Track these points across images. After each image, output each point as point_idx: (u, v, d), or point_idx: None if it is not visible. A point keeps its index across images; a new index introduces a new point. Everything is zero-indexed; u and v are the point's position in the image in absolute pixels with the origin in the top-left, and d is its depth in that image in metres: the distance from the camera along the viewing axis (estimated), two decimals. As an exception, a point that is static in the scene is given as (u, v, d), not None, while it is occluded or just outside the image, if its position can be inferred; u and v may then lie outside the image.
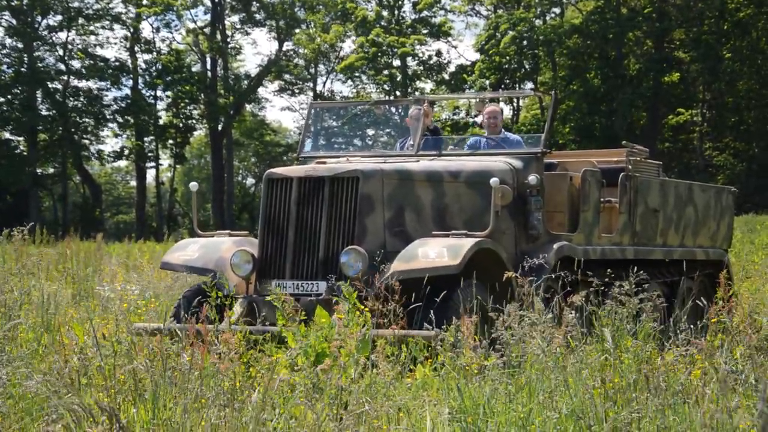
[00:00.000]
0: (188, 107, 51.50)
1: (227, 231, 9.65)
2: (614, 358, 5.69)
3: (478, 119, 10.83)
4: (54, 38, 48.29)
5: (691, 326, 7.07)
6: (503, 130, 10.70)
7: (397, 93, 48.17)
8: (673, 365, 6.00)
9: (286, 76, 52.07)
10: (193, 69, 51.02)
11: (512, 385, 5.56)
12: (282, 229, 8.59)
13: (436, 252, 8.06)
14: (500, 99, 11.37)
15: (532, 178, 9.33)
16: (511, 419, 5.07)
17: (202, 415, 5.09)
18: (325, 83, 52.19)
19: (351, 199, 8.43)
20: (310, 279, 8.43)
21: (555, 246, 9.35)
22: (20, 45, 46.48)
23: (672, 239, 11.77)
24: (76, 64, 48.55)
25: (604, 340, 5.93)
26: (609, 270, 9.61)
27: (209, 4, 49.85)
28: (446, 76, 48.38)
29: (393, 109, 12.61)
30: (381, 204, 8.56)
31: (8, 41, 47.14)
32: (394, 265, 8.01)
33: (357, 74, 48.80)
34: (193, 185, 9.85)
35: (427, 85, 48.72)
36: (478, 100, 11.74)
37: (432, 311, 7.46)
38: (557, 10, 47.09)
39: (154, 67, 49.93)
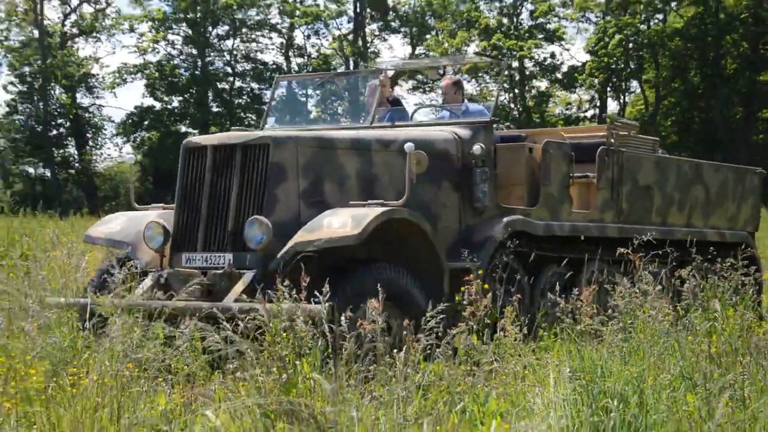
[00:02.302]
0: (335, 104, 51.84)
1: (161, 204, 8.30)
2: (720, 326, 5.56)
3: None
4: (222, 45, 49.12)
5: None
6: (466, 101, 9.30)
7: (516, 91, 47.87)
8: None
9: (418, 76, 51.96)
10: (339, 70, 51.36)
11: (626, 348, 5.47)
12: (196, 199, 7.31)
13: (340, 222, 6.71)
14: (500, 73, 9.52)
15: (477, 148, 7.89)
16: (625, 378, 4.98)
17: (352, 368, 5.06)
18: (452, 82, 51.98)
19: (261, 168, 7.09)
20: (219, 251, 7.10)
21: (505, 220, 8.01)
22: (194, 51, 47.40)
23: (674, 218, 10.14)
24: (240, 67, 49.32)
25: (710, 309, 5.78)
26: (594, 248, 8.29)
27: (352, 14, 50.18)
28: (559, 76, 47.80)
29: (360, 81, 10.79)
30: (295, 173, 7.17)
31: (185, 48, 48.17)
32: (297, 235, 6.75)
33: (480, 74, 48.52)
34: (130, 158, 8.91)
35: (542, 83, 48.35)
36: (433, 67, 10.40)
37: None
38: (660, 16, 46.04)
39: (305, 70, 50.40)
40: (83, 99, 49.85)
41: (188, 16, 47.16)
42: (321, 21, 49.65)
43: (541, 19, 47.00)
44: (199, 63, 47.04)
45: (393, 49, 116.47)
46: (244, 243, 6.91)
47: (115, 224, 7.97)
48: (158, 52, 48.15)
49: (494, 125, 8.65)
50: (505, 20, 47.48)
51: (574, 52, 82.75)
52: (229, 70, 49.11)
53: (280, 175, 7.09)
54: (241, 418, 4.36)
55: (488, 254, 7.70)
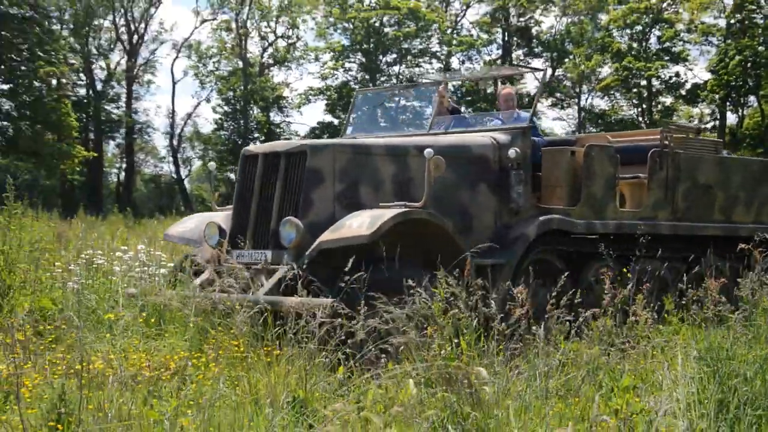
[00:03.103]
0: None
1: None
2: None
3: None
4: (390, 71, 49.53)
5: None
6: (517, 109, 8.61)
7: (644, 106, 46.58)
8: None
9: (557, 94, 51.18)
10: (488, 91, 51.04)
11: (751, 333, 5.19)
12: (248, 202, 7.11)
13: (359, 222, 6.28)
14: (542, 82, 8.45)
15: (512, 152, 7.42)
16: (749, 359, 4.72)
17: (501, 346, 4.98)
18: (587, 99, 51.03)
19: (300, 173, 6.80)
20: (262, 249, 6.88)
21: (540, 219, 7.48)
22: (367, 76, 47.98)
23: (740, 216, 9.24)
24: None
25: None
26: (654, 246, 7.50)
27: (500, 42, 49.80)
28: (683, 92, 46.22)
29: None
30: (332, 177, 6.81)
31: (359, 74, 48.82)
32: (323, 234, 6.38)
33: (612, 92, 47.46)
34: (211, 165, 8.52)
35: (667, 99, 46.84)
36: (487, 77, 9.96)
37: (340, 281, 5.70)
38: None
39: (459, 91, 50.34)
40: (275, 117, 51.33)
41: (363, 47, 47.80)
42: (474, 48, 49.49)
43: (667, 43, 45.55)
44: (371, 86, 47.61)
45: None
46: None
47: (188, 224, 7.83)
48: (337, 78, 49.06)
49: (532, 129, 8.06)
50: (635, 44, 46.22)
51: (697, 72, 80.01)
52: (395, 91, 49.46)
53: (317, 179, 6.78)
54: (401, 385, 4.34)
55: (519, 251, 7.18)
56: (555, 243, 7.61)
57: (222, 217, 7.50)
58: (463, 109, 8.76)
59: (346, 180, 6.90)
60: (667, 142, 8.55)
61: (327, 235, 6.33)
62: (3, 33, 38.80)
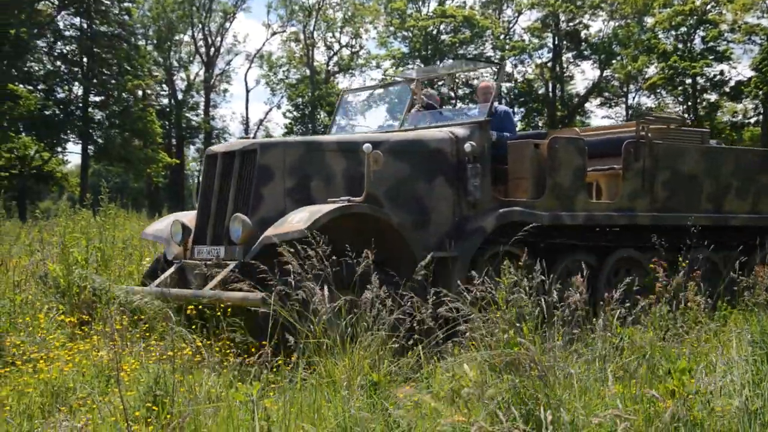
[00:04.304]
0: (536, 118, 51.08)
1: None
2: None
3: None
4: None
5: None
6: (494, 103, 8.04)
7: (689, 103, 45.62)
8: None
9: (605, 94, 50.43)
10: (539, 92, 50.55)
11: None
12: (209, 199, 6.86)
13: (299, 217, 6.00)
14: (498, 76, 7.51)
15: (467, 146, 7.01)
16: (800, 342, 4.60)
17: (561, 331, 4.91)
18: (634, 98, 50.17)
19: (251, 171, 6.53)
20: (218, 245, 6.64)
21: (500, 212, 7.05)
22: (425, 82, 47.85)
23: (733, 206, 8.64)
24: (461, 91, 49.43)
25: None
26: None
27: (551, 46, 49.23)
28: (727, 89, 45.13)
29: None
30: (282, 174, 6.52)
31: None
32: (267, 230, 6.12)
33: (658, 90, 46.57)
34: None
35: (711, 96, 45.78)
36: (448, 75, 8.87)
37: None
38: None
39: (511, 93, 49.92)
40: (341, 120, 51.42)
41: (421, 53, 47.70)
42: (526, 53, 49.03)
43: (711, 43, 44.53)
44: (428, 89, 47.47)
45: (584, 73, 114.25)
46: None
47: (163, 223, 7.60)
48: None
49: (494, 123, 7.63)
50: (680, 45, 45.28)
51: (741, 69, 78.09)
52: (452, 94, 49.32)
53: (267, 176, 6.50)
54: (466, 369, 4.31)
55: (475, 244, 6.75)
56: (526, 235, 6.97)
57: (191, 215, 7.28)
58: (464, 104, 8.26)
59: (296, 176, 6.60)
60: (643, 134, 8.07)
61: (270, 231, 6.08)
62: (95, 50, 39.66)
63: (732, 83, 44.90)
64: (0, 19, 35.00)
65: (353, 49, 52.74)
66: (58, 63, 40.12)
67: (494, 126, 7.74)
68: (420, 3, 50.00)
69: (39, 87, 39.30)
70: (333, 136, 7.60)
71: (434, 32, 48.00)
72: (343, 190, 6.65)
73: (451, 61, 39.76)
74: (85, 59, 40.08)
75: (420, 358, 4.93)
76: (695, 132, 9.04)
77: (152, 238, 7.67)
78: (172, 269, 6.83)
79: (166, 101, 49.93)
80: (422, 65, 47.60)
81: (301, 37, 51.89)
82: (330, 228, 5.85)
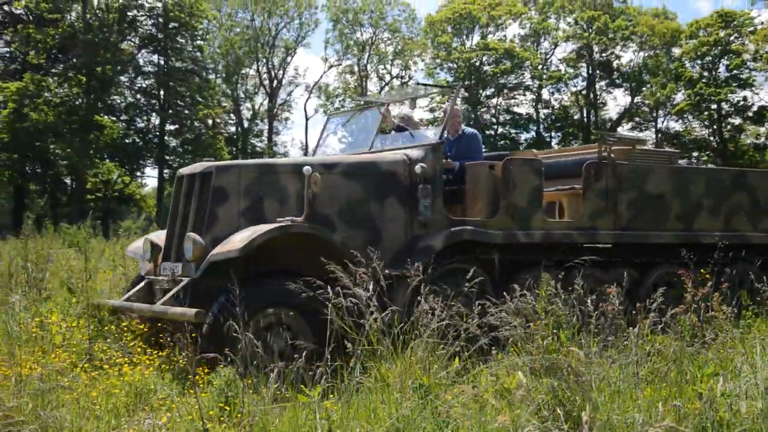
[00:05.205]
0: (572, 142, 50.61)
1: None
2: None
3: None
4: (489, 102, 49.20)
5: None
6: (463, 126, 7.91)
7: (714, 127, 44.82)
8: None
9: (636, 119, 49.77)
10: (575, 117, 50.09)
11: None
12: (175, 219, 6.71)
13: (241, 237, 5.79)
14: (454, 98, 7.06)
15: (417, 168, 6.70)
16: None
17: (596, 338, 4.87)
18: (663, 122, 49.44)
19: (207, 192, 6.36)
20: (178, 262, 6.50)
21: (451, 230, 6.70)
22: (469, 108, 47.82)
23: (705, 224, 8.17)
24: (501, 118, 49.23)
25: None
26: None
27: (585, 75, 48.78)
28: (750, 114, 44.24)
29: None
30: (237, 195, 6.31)
31: (463, 107, 48.74)
32: (215, 248, 5.92)
33: (685, 115, 45.84)
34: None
35: (736, 120, 44.87)
36: (411, 99, 8.18)
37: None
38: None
39: (550, 118, 49.56)
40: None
41: (465, 83, 47.66)
42: (562, 81, 48.68)
43: (735, 71, 43.77)
44: (472, 116, 47.38)
45: (616, 99, 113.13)
46: None
47: (141, 241, 7.47)
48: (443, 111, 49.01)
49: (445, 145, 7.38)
50: (705, 73, 44.59)
51: (763, 95, 76.37)
52: (494, 120, 49.16)
53: (222, 197, 6.31)
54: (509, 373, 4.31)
55: (424, 262, 6.11)
56: (478, 253, 6.84)
57: (163, 234, 7.11)
58: (464, 126, 7.93)
59: (250, 197, 6.38)
60: (605, 154, 7.69)
61: (217, 249, 5.91)
62: (170, 84, 40.47)
63: (755, 108, 44.07)
64: (89, 58, 36.02)
65: (403, 80, 52.95)
66: (138, 96, 41.12)
67: (460, 148, 7.62)
68: (464, 37, 50.03)
69: (121, 118, 40.28)
70: (287, 158, 7.34)
71: (477, 63, 47.94)
72: (296, 210, 6.41)
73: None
74: (161, 92, 40.96)
75: (465, 363, 4.94)
76: (663, 153, 8.70)
77: (132, 255, 7.60)
78: (140, 285, 6.90)
79: (233, 129, 50.65)
80: (466, 94, 47.60)
81: (356, 69, 52.30)
82: (290, 246, 5.98)
